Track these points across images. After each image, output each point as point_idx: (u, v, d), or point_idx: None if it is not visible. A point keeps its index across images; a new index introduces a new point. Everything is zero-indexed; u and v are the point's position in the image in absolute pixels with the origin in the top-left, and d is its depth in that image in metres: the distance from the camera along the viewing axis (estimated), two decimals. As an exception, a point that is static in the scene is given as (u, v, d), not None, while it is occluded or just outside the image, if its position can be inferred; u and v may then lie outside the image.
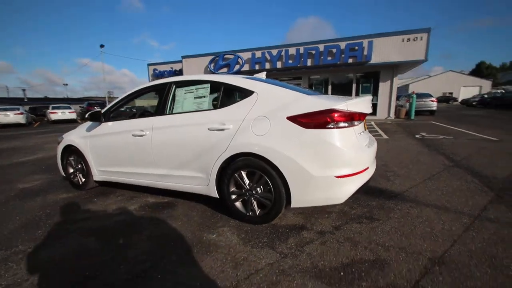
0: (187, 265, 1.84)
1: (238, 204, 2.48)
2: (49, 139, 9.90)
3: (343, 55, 14.05)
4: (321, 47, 14.37)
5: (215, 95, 2.71)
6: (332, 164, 2.07)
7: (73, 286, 1.68)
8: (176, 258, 1.93)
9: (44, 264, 1.92)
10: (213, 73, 16.89)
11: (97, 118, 3.21)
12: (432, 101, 16.23)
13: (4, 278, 1.78)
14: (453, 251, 1.90)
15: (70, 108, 19.80)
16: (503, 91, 25.65)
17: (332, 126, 2.05)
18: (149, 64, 20.22)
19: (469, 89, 41.92)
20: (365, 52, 13.70)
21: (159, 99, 2.94)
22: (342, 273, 1.69)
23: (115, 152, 3.13)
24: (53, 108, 19.40)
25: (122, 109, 3.57)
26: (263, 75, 3.23)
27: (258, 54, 15.78)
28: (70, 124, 18.63)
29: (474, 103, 25.64)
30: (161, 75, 19.72)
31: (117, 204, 3.07)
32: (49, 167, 5.15)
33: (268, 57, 15.51)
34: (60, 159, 3.75)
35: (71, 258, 1.98)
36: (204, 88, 2.68)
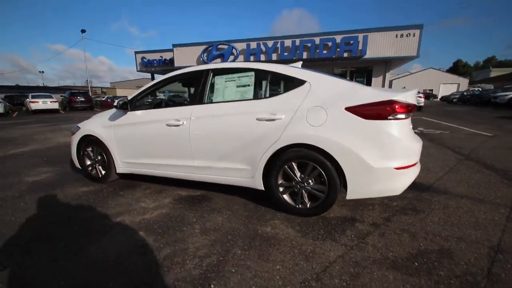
0: (257, 259, 1.79)
1: (286, 196, 2.44)
2: (36, 130, 9.29)
3: (338, 49, 14.17)
4: (317, 40, 14.39)
5: (261, 84, 2.62)
6: (392, 156, 2.08)
7: (150, 285, 1.59)
8: (242, 252, 1.88)
9: (102, 264, 1.80)
10: (206, 63, 16.47)
11: (125, 107, 3.02)
12: (420, 97, 16.84)
13: (59, 278, 1.66)
14: (507, 239, 1.99)
15: (51, 97, 18.59)
16: (480, 89, 27.15)
17: (392, 118, 2.05)
18: (136, 52, 19.36)
19: (448, 86, 43.87)
20: (360, 47, 13.89)
21: (195, 87, 2.80)
22: (416, 263, 1.72)
23: (146, 143, 2.97)
24: (33, 97, 18.13)
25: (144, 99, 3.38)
26: (298, 64, 3.17)
27: (253, 45, 15.57)
28: (53, 114, 17.58)
29: (454, 100, 26.92)
30: (150, 64, 18.99)
31: (148, 198, 2.93)
32: (51, 159, 4.83)
33: (264, 49, 15.35)
34: (75, 150, 3.51)
35: (131, 255, 1.87)
36: (248, 76, 2.58)
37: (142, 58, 19.11)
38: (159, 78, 3.07)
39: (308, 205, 2.36)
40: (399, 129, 2.08)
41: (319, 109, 2.20)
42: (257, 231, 2.17)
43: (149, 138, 2.94)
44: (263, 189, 2.52)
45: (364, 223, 2.28)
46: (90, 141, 3.40)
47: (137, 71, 19.86)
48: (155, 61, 18.85)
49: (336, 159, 2.13)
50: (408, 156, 2.12)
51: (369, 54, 14.06)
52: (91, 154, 3.45)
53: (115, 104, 3.09)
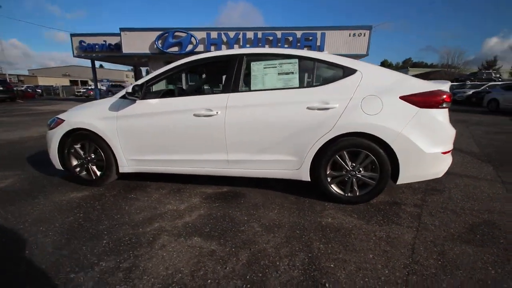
0: (344, 250, 1.73)
1: (334, 186, 2.43)
2: None
3: (299, 44, 14.65)
4: (279, 33, 14.62)
5: (306, 71, 2.50)
6: (440, 141, 2.24)
7: (249, 294, 1.38)
8: (324, 245, 1.79)
9: (176, 281, 1.50)
10: (162, 51, 15.20)
11: (136, 95, 2.54)
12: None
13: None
14: (522, 209, 2.36)
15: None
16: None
17: (441, 106, 2.20)
18: (73, 35, 16.63)
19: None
20: (318, 43, 14.64)
21: (228, 73, 2.52)
22: (477, 235, 1.91)
23: (165, 136, 2.57)
24: None
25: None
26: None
27: (214, 34, 14.96)
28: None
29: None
30: (90, 48, 16.60)
31: (171, 198, 2.56)
32: (2, 160, 3.82)
33: (225, 39, 14.88)
34: (56, 148, 2.83)
35: (207, 266, 1.60)
36: (291, 63, 2.44)
37: (81, 42, 16.49)
38: (177, 62, 2.67)
39: (357, 193, 2.38)
40: (446, 116, 2.26)
41: (374, 98, 2.22)
42: (320, 223, 2.10)
43: (170, 130, 2.55)
44: (309, 180, 2.45)
45: (408, 205, 2.42)
46: (79, 136, 2.78)
47: (74, 56, 17.08)
48: (97, 46, 16.50)
49: (392, 146, 2.19)
50: (450, 141, 2.32)
51: (326, 50, 14.93)
52: (81, 152, 2.83)
53: (125, 92, 2.57)
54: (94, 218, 2.18)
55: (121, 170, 2.79)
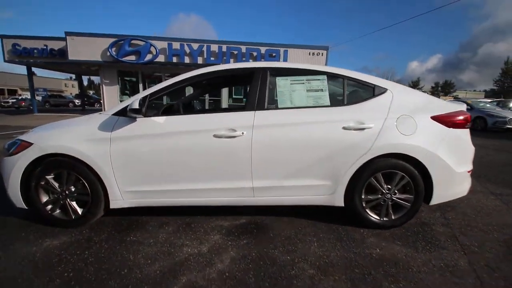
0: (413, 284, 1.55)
1: (369, 210, 2.28)
2: None
3: (263, 59, 14.92)
4: (243, 48, 14.68)
5: (335, 89, 2.35)
6: (465, 160, 2.29)
7: None
8: (394, 285, 1.59)
9: None
10: (116, 59, 13.89)
11: (138, 112, 2.06)
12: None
13: None
14: (528, 220, 2.54)
15: None
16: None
17: (466, 126, 2.27)
18: (3, 36, 14.15)
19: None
20: (281, 59, 15.14)
21: (251, 89, 2.24)
22: (521, 255, 1.94)
23: (177, 161, 2.12)
24: None
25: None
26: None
27: (176, 45, 14.29)
28: None
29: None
30: (27, 53, 14.32)
31: (184, 238, 2.10)
32: None
33: (188, 50, 14.33)
34: (19, 181, 2.13)
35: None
36: (319, 80, 2.27)
37: (15, 45, 14.05)
38: (187, 73, 2.28)
39: (392, 217, 2.27)
40: (469, 136, 2.33)
41: (408, 118, 2.17)
42: (371, 255, 1.90)
43: (183, 154, 2.12)
44: (343, 205, 2.26)
45: (437, 225, 2.40)
46: (54, 163, 2.14)
47: (5, 61, 14.44)
48: (35, 51, 14.27)
49: (427, 166, 2.15)
50: (472, 160, 2.39)
51: (289, 66, 15.52)
52: (55, 185, 2.18)
53: (128, 109, 2.06)
54: (91, 278, 1.62)
55: (112, 205, 2.22)
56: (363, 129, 2.13)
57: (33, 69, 17.72)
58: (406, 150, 2.12)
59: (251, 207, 2.58)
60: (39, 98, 30.12)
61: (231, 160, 2.14)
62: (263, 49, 14.81)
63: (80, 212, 2.23)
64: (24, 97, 28.13)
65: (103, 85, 15.16)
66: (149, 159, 2.13)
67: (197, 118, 2.23)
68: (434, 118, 2.20)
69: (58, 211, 2.23)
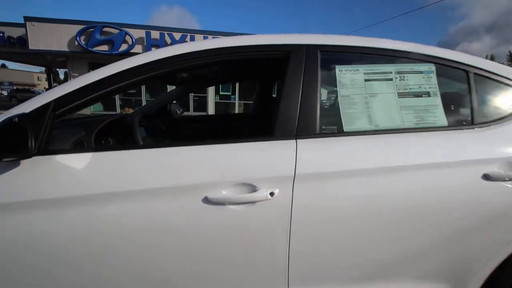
0: None
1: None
2: None
3: (253, 52, 13.66)
4: (232, 39, 13.34)
5: (452, 91, 1.20)
6: None
7: None
8: None
9: None
10: (86, 49, 12.14)
11: (15, 149, 0.82)
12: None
13: None
14: None
15: None
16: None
17: None
18: None
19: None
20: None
21: (282, 88, 1.04)
22: None
23: (117, 259, 0.91)
24: None
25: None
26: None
27: (155, 34, 12.76)
28: None
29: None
30: (-22, 41, 12.24)
31: None
32: None
33: (169, 41, 12.81)
34: None
35: None
36: (422, 73, 1.10)
37: (-39, 30, 12.01)
38: (147, 55, 1.03)
39: None
40: None
41: None
42: None
43: (137, 249, 0.91)
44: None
45: None
46: None
47: (-51, 50, 12.35)
48: (-12, 38, 12.28)
49: None
50: None
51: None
52: None
53: None
54: None
55: None
56: (522, 177, 1.01)
57: (3, 61, 15.56)
58: None
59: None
60: (4, 92, 27.40)
61: (244, 254, 0.95)
62: (253, 40, 13.52)
63: None
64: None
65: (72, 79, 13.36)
66: (49, 258, 0.89)
67: (162, 155, 0.99)
68: None
69: None
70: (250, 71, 2.23)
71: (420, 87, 1.09)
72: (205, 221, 0.91)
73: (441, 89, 1.10)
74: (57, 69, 19.49)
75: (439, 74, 1.11)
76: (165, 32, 12.74)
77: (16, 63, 20.49)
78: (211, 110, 14.66)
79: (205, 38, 13.03)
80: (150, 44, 12.71)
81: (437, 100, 1.09)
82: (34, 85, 45.35)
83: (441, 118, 1.07)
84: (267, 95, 2.43)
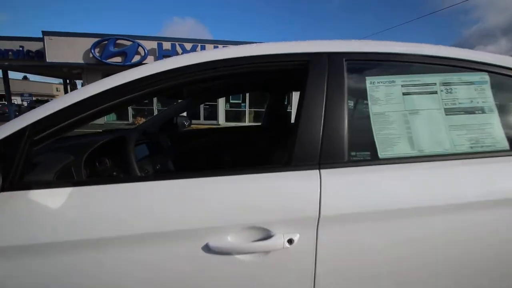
0: None
1: None
2: None
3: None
4: (242, 48, 13.36)
5: (509, 104, 0.99)
6: None
7: None
8: None
9: None
10: (100, 62, 12.46)
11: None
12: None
13: None
14: None
15: None
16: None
17: None
18: (-28, 36, 12.67)
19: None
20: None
21: (301, 105, 0.85)
22: None
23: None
24: None
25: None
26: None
27: (167, 45, 12.93)
28: None
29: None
30: (2, 55, 12.82)
31: None
32: None
33: (180, 51, 12.96)
34: None
35: None
36: (473, 84, 0.90)
37: (-16, 46, 12.62)
38: (141, 69, 0.88)
39: None
40: None
41: None
42: None
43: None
44: None
45: None
46: None
47: (-26, 64, 12.99)
48: (10, 52, 12.79)
49: None
50: None
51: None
52: None
53: None
54: None
55: None
56: None
57: (26, 73, 16.26)
58: None
59: None
60: (25, 103, 28.57)
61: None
62: (263, 49, 13.50)
63: None
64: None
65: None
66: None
67: (148, 190, 0.80)
68: None
69: None
70: (260, 83, 2.07)
71: (472, 101, 0.88)
72: (206, 275, 0.72)
73: (498, 103, 0.89)
74: (75, 81, 20.07)
75: (494, 86, 0.90)
76: (176, 43, 12.90)
77: (36, 76, 21.37)
78: (221, 118, 14.63)
79: (215, 48, 13.14)
80: (162, 55, 12.89)
81: (494, 117, 0.87)
82: (53, 96, 47.17)
83: (501, 140, 0.85)
84: (280, 106, 2.26)
